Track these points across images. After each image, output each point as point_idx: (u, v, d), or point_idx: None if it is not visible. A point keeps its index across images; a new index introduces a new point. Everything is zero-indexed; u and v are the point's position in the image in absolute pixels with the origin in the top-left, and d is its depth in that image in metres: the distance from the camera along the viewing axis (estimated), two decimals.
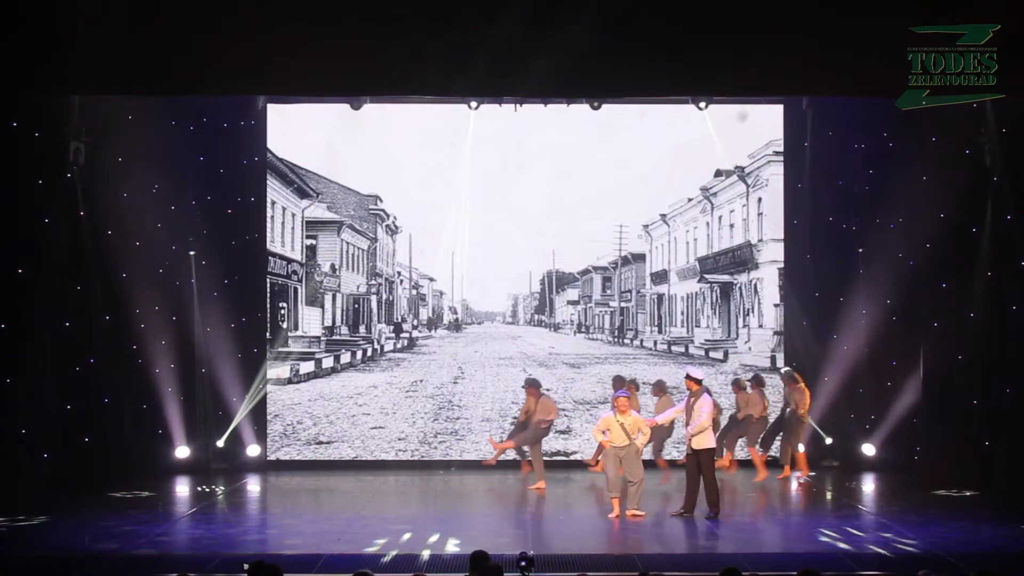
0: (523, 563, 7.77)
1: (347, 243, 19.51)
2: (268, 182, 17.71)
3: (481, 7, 12.68)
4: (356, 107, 17.22)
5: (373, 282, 19.54)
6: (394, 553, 11.19)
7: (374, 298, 19.52)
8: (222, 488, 15.60)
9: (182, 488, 15.70)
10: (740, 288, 18.97)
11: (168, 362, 16.48)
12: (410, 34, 12.70)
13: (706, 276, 19.51)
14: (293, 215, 18.80)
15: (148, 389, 16.22)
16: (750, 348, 18.57)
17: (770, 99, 17.39)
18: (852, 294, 17.17)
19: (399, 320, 19.69)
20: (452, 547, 11.51)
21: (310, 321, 18.64)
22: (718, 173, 19.05)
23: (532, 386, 15.76)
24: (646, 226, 19.74)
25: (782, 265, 17.85)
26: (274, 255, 18.08)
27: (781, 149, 17.82)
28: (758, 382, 16.63)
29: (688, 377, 13.60)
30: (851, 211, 17.15)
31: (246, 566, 8.02)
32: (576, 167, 18.18)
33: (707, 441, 13.27)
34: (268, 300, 17.73)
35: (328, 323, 18.88)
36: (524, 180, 18.26)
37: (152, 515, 13.48)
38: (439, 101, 17.04)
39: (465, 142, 17.74)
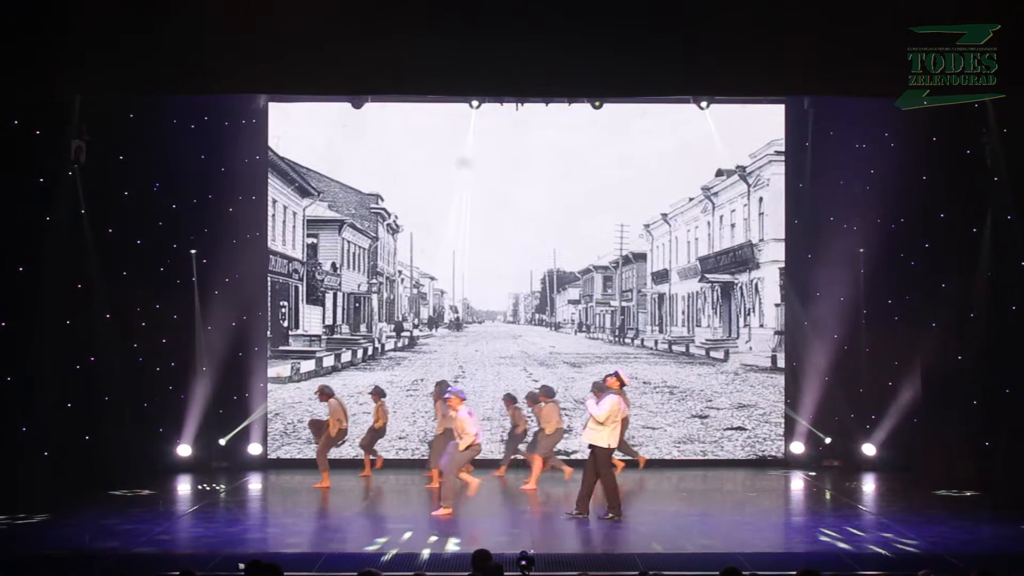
0: (523, 562, 7.78)
1: (348, 242, 19.52)
2: (269, 181, 17.72)
3: (482, 7, 12.69)
4: (357, 106, 17.24)
5: (374, 281, 19.55)
6: (394, 552, 11.20)
7: (375, 297, 19.53)
8: (223, 487, 15.61)
9: (183, 486, 15.72)
10: (741, 288, 18.98)
11: (169, 360, 16.49)
12: (411, 34, 12.71)
13: (707, 276, 19.51)
14: (294, 214, 18.81)
15: (149, 387, 16.21)
16: (751, 348, 18.58)
17: (771, 99, 17.38)
18: (852, 294, 17.16)
19: (400, 319, 19.71)
20: (452, 546, 11.52)
21: (311, 320, 18.66)
22: (719, 172, 19.05)
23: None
24: (647, 225, 19.75)
25: (783, 265, 17.85)
26: (275, 254, 18.10)
27: (782, 149, 17.82)
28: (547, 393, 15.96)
29: (614, 376, 13.56)
30: (852, 211, 17.13)
31: (242, 566, 8.02)
32: (577, 166, 18.18)
33: (601, 440, 13.11)
34: (269, 299, 17.75)
35: (329, 322, 18.90)
36: (525, 179, 18.27)
37: (153, 513, 13.50)
38: (440, 100, 17.06)
39: (466, 141, 17.75)
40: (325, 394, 15.76)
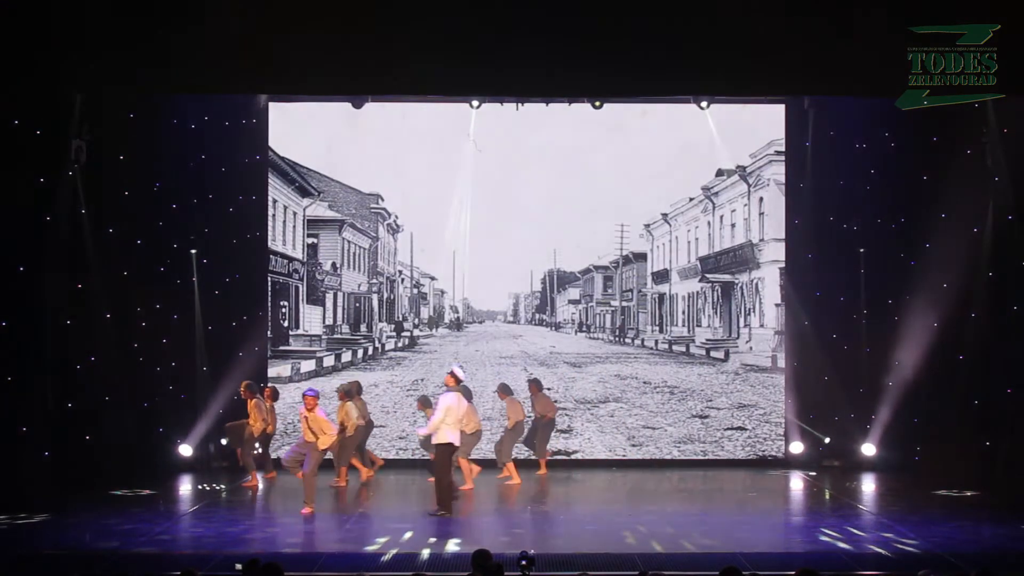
0: (524, 562, 7.78)
1: (348, 242, 19.53)
2: (269, 180, 17.72)
3: (483, 7, 12.70)
4: (358, 106, 17.24)
5: (374, 281, 19.56)
6: (394, 552, 11.21)
7: (375, 297, 19.53)
8: (223, 487, 15.61)
9: (183, 486, 15.72)
10: (741, 288, 18.98)
11: (169, 360, 16.49)
12: (411, 34, 12.72)
13: (707, 275, 19.51)
14: (294, 213, 18.82)
15: (149, 387, 16.23)
16: (751, 348, 18.59)
17: (771, 99, 17.39)
18: (852, 294, 17.17)
19: (400, 319, 19.71)
20: (452, 546, 11.53)
21: (311, 319, 18.67)
22: (719, 172, 19.05)
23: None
24: (647, 225, 19.75)
25: (783, 265, 17.85)
26: (275, 253, 18.10)
27: (783, 149, 17.81)
28: (505, 391, 16.21)
29: (450, 374, 13.70)
30: (852, 211, 17.14)
31: (238, 566, 8.00)
32: (577, 166, 18.19)
33: (441, 436, 13.32)
34: (269, 298, 17.75)
35: (329, 322, 18.90)
36: (525, 179, 18.28)
37: (153, 513, 13.50)
38: (440, 100, 17.06)
39: (467, 141, 17.75)
40: (250, 390, 15.75)
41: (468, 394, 15.45)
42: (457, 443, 13.51)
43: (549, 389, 17.69)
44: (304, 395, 13.90)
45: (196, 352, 16.75)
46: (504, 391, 16.19)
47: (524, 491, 15.35)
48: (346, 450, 15.48)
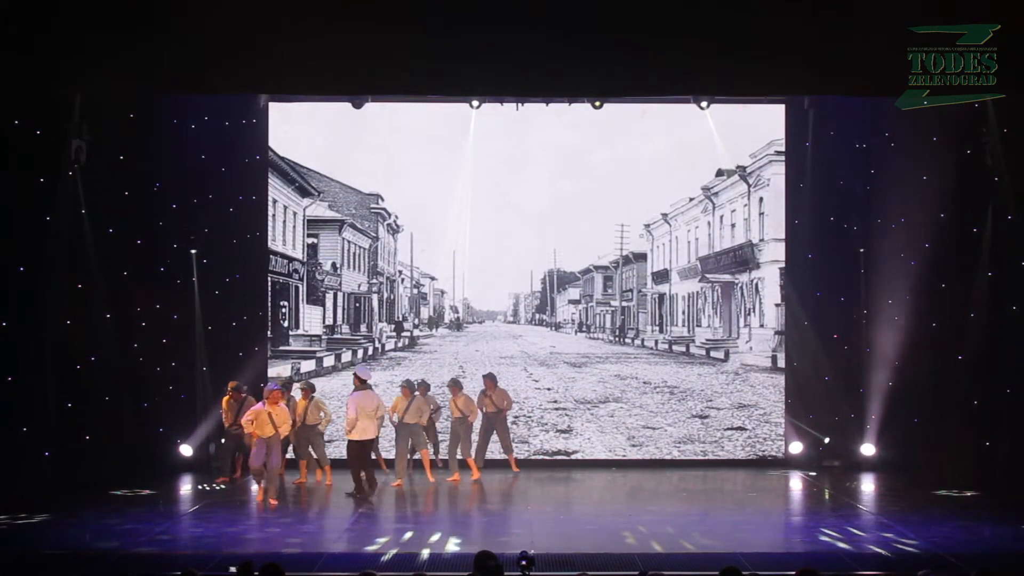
0: (523, 562, 7.78)
1: (348, 242, 19.54)
2: (269, 180, 17.72)
3: (482, 7, 12.70)
4: (358, 106, 17.23)
5: (374, 281, 19.57)
6: (394, 552, 11.21)
7: (375, 297, 19.54)
8: (223, 487, 15.60)
9: (183, 486, 15.72)
10: (741, 288, 18.99)
11: (169, 360, 16.48)
12: (411, 34, 12.72)
13: (707, 276, 19.52)
14: (294, 213, 18.82)
15: (149, 387, 16.21)
16: (751, 348, 18.59)
17: (771, 99, 17.39)
18: (852, 294, 17.17)
19: (400, 319, 19.71)
20: (452, 546, 11.53)
21: (311, 320, 18.67)
22: (719, 172, 19.06)
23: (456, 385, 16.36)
24: (647, 225, 19.76)
25: (783, 265, 17.85)
26: (275, 254, 18.10)
27: (782, 149, 17.81)
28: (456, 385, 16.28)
29: (354, 375, 14.86)
30: (852, 211, 17.15)
31: (233, 569, 7.98)
32: (577, 166, 18.22)
33: (355, 433, 14.61)
34: (269, 299, 17.76)
35: (329, 322, 18.90)
36: (525, 179, 18.31)
37: (153, 513, 13.50)
38: (440, 100, 17.07)
39: (467, 141, 17.76)
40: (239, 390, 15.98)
41: (427, 387, 16.02)
42: (370, 436, 14.64)
43: (550, 389, 17.70)
44: (271, 390, 14.39)
45: (196, 352, 16.75)
46: (455, 387, 16.21)
47: (524, 491, 15.35)
48: (320, 448, 15.86)
